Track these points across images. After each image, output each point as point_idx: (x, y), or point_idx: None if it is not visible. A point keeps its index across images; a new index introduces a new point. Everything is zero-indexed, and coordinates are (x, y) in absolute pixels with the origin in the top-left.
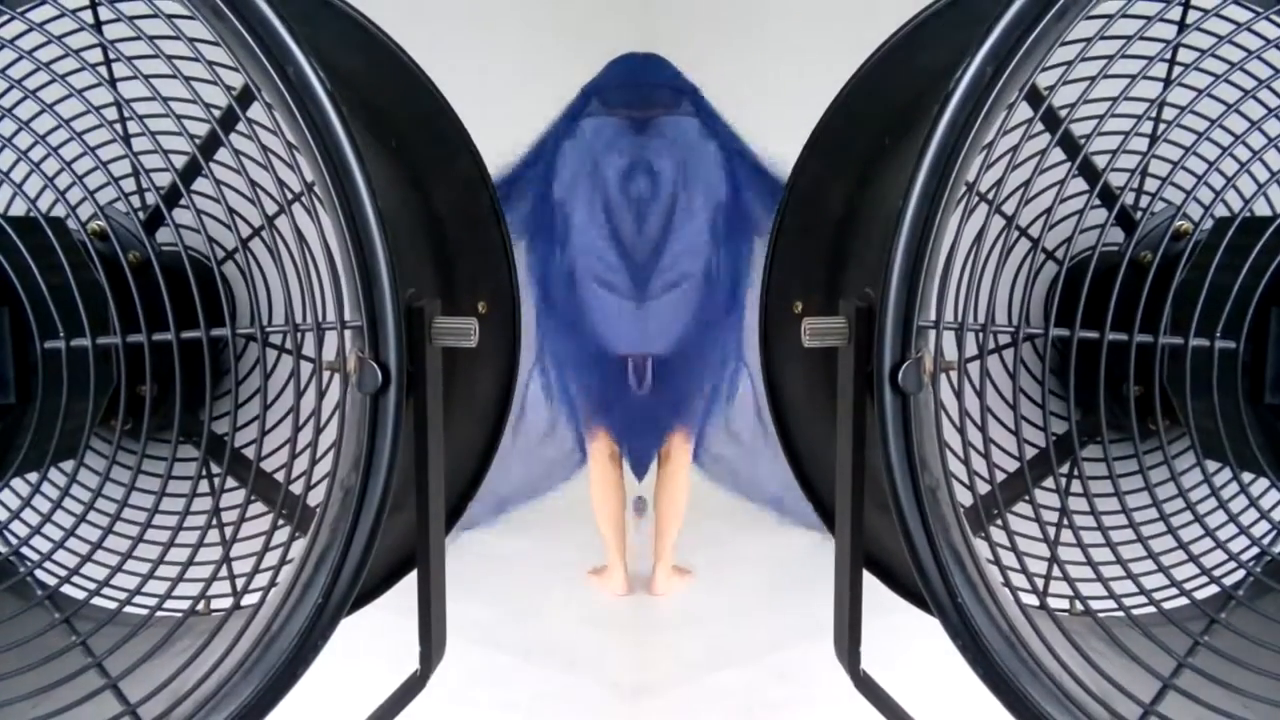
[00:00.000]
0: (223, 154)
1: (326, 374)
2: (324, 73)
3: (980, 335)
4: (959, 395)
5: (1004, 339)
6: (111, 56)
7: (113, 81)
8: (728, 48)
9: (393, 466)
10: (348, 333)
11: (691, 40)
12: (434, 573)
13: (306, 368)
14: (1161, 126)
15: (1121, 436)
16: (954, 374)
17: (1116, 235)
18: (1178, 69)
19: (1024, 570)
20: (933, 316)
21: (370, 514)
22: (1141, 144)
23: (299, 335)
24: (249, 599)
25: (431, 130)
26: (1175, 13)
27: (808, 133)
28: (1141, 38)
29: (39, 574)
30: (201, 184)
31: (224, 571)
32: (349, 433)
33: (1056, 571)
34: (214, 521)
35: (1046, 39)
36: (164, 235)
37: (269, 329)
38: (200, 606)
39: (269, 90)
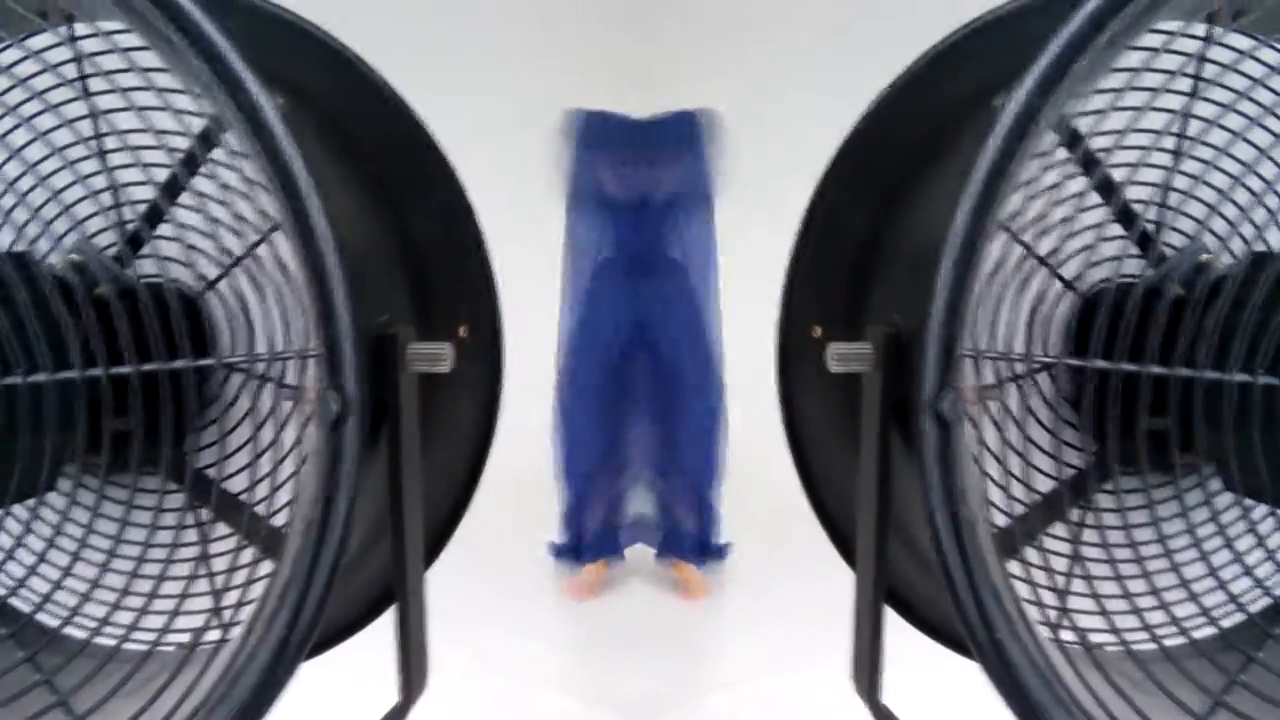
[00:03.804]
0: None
1: (288, 404)
2: (298, 99)
3: (1021, 365)
4: (999, 425)
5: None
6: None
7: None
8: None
9: (353, 498)
10: (312, 362)
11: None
12: (411, 599)
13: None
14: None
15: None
16: (993, 403)
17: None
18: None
19: (1062, 606)
20: (971, 346)
21: (332, 546)
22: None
23: (264, 365)
24: (223, 632)
25: (410, 157)
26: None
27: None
28: (1162, 69)
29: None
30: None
31: (196, 605)
32: (310, 464)
33: (1092, 605)
34: (172, 555)
35: (1096, 68)
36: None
37: (227, 360)
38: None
39: (224, 116)
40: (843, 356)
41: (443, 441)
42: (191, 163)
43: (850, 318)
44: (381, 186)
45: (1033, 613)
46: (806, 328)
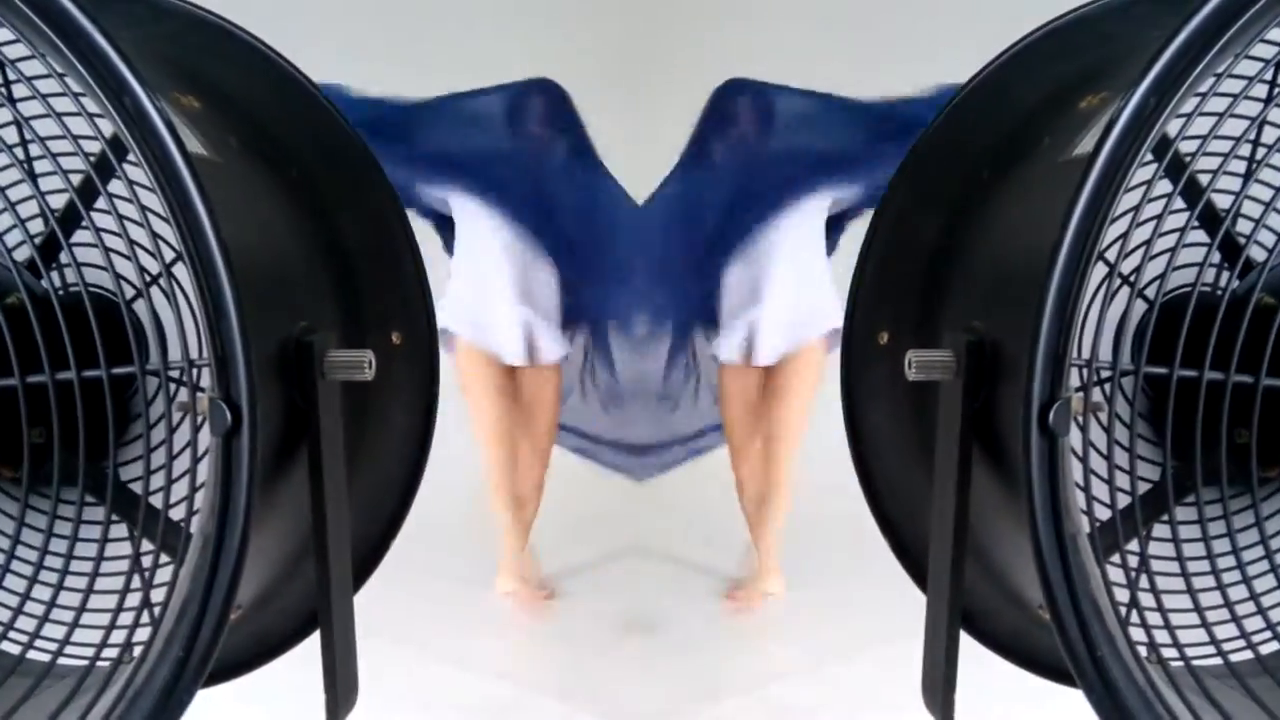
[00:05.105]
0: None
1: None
2: (217, 102)
3: (1133, 377)
4: (1111, 437)
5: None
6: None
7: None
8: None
9: (249, 511)
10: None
11: None
12: (336, 618)
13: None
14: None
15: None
16: (1103, 415)
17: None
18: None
19: (1167, 625)
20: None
21: (229, 562)
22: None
23: (154, 377)
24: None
25: (339, 163)
26: None
27: None
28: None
29: None
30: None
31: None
32: (208, 474)
33: (1193, 620)
34: (67, 566)
35: (1209, 71)
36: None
37: (115, 372)
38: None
39: (111, 121)
40: (923, 364)
41: (375, 451)
42: (89, 190)
43: (921, 323)
44: (308, 191)
45: (1138, 631)
46: (872, 333)
